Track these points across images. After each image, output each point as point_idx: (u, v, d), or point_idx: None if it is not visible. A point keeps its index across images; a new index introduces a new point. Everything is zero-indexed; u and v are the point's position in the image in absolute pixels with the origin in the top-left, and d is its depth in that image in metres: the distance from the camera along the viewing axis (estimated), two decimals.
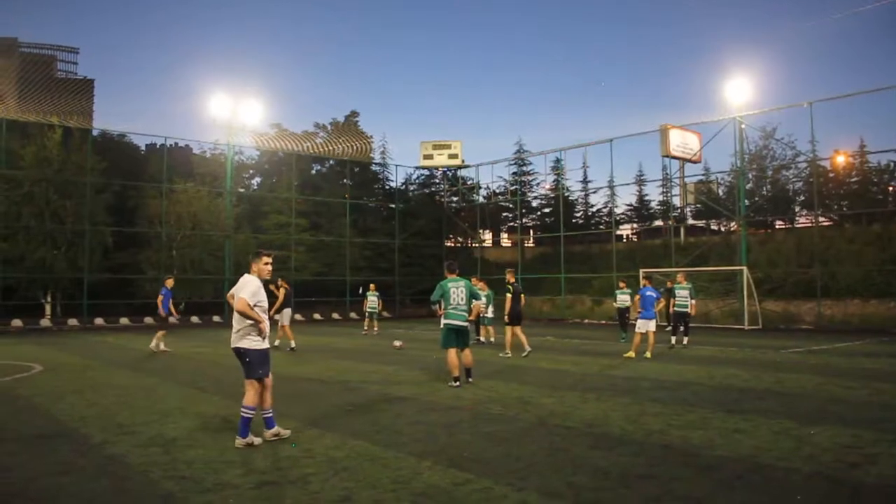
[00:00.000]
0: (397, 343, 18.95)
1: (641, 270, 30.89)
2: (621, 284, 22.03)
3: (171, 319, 18.75)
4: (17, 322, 30.33)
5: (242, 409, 7.08)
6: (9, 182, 32.26)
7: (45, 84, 41.16)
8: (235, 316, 7.19)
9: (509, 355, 15.97)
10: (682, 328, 18.97)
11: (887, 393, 10.25)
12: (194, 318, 34.33)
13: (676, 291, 19.03)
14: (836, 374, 12.49)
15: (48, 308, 34.03)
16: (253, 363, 7.20)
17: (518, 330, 16.26)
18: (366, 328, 26.63)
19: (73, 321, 31.67)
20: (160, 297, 18.25)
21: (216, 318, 34.67)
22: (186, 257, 35.82)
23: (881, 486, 5.46)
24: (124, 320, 32.58)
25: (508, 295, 16.10)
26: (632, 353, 15.96)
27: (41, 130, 33.69)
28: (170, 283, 18.77)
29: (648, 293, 16.33)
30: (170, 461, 6.39)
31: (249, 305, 7.08)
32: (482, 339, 20.07)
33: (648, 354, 15.81)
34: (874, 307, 27.47)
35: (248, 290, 7.19)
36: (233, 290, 7.34)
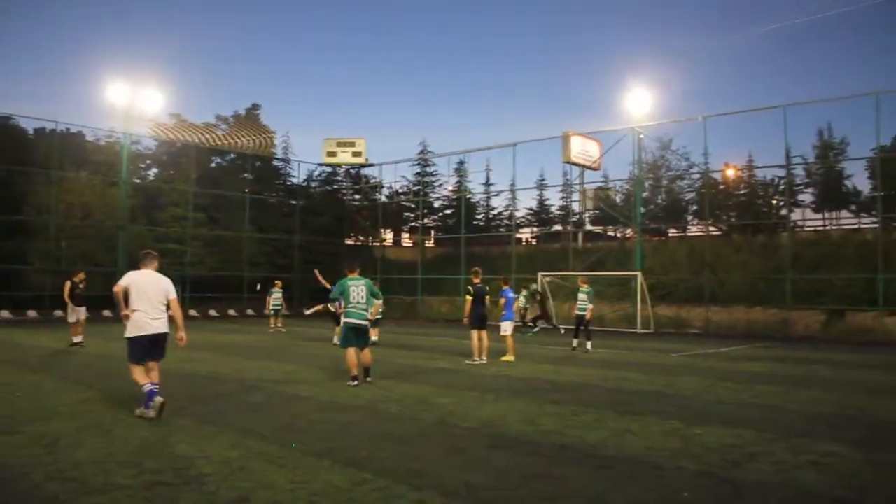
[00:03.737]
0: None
1: (540, 274, 31.56)
2: (582, 283, 19.93)
3: (70, 316, 17.93)
4: None
5: (156, 386, 8.29)
6: None
7: None
8: (161, 307, 8.46)
9: (478, 362, 15.06)
10: (582, 330, 19.22)
11: (768, 395, 10.77)
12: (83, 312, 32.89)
13: (578, 295, 19.37)
14: (722, 377, 13.04)
15: None
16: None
17: (484, 334, 15.35)
18: (272, 326, 26.24)
19: None
20: (68, 292, 17.57)
21: (106, 313, 33.39)
22: (77, 248, 34.25)
23: (760, 483, 5.74)
24: (5, 313, 30.88)
25: (469, 297, 15.40)
26: (511, 357, 15.75)
27: None
28: (80, 276, 18.07)
29: (510, 294, 16.41)
30: (54, 462, 6.14)
31: None
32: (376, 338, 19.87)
33: (510, 358, 15.70)
34: (758, 313, 28.78)
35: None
36: (156, 287, 8.51)
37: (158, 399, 8.06)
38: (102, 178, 36.44)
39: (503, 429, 7.87)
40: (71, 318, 17.79)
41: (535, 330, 26.97)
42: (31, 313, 31.03)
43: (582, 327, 18.97)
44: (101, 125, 49.51)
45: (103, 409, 8.73)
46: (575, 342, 19.02)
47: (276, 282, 27.52)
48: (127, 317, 8.30)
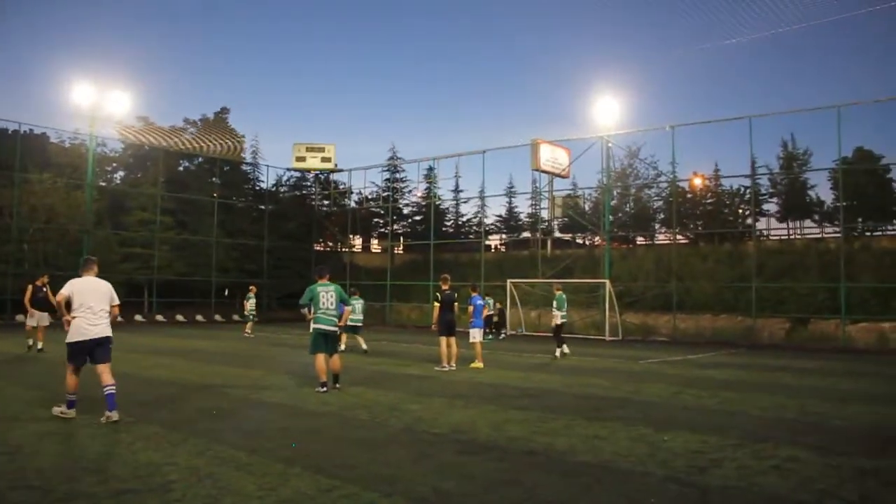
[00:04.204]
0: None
1: (509, 280, 31.69)
2: (556, 290, 19.99)
3: (30, 320, 17.54)
4: None
5: (112, 387, 8.42)
6: None
7: None
8: (103, 312, 8.71)
9: (447, 368, 14.97)
10: (554, 336, 19.28)
11: (732, 401, 10.90)
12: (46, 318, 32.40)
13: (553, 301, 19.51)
14: (688, 384, 13.18)
15: None
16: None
17: (453, 341, 15.25)
18: (248, 331, 26.16)
19: None
20: (29, 296, 17.21)
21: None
22: (39, 252, 33.69)
23: (725, 488, 5.82)
24: None
25: (436, 304, 15.28)
26: (480, 364, 15.77)
27: None
28: (43, 280, 17.70)
29: (479, 302, 16.46)
30: (17, 470, 6.05)
31: None
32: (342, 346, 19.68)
33: (479, 364, 15.73)
34: (724, 321, 29.15)
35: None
36: (98, 293, 8.75)
37: (114, 414, 8.24)
38: (67, 180, 35.88)
39: (472, 435, 7.89)
40: (30, 323, 17.46)
41: (501, 337, 27.27)
42: None
43: (554, 334, 19.16)
44: (66, 127, 48.59)
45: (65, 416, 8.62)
46: (558, 351, 19.06)
47: (251, 287, 27.36)
48: (68, 322, 8.53)
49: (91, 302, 8.59)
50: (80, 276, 8.81)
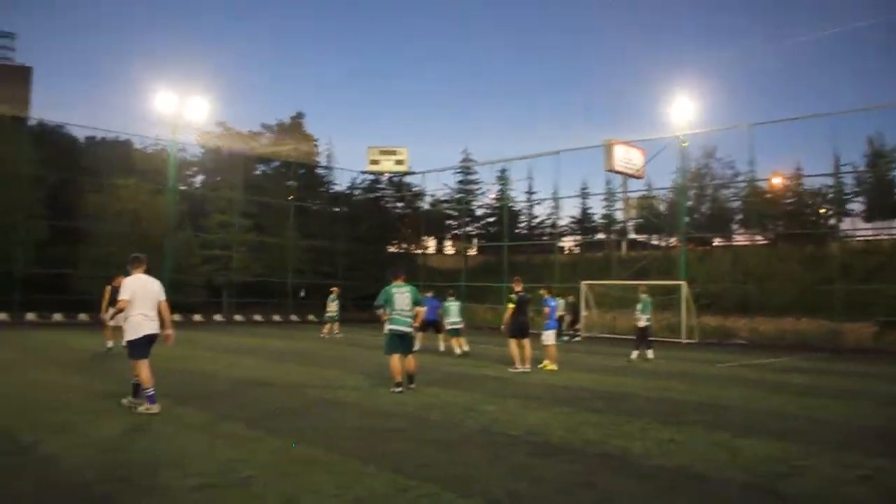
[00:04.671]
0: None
1: (583, 282, 31.41)
2: (643, 291, 19.63)
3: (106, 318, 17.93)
4: None
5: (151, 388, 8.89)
6: None
7: None
8: (155, 309, 9.13)
9: (521, 370, 14.91)
10: (640, 339, 19.14)
11: (815, 407, 10.59)
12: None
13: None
14: (768, 388, 12.86)
15: None
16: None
17: (526, 343, 15.20)
18: (326, 332, 26.49)
19: (2, 316, 30.74)
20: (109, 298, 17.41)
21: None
22: (125, 254, 34.77)
23: (808, 497, 5.67)
24: (58, 316, 31.68)
25: (511, 305, 15.22)
26: (553, 366, 15.62)
27: None
28: (118, 281, 17.97)
29: (552, 303, 16.32)
30: (104, 462, 6.28)
31: None
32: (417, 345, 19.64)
33: (549, 366, 15.63)
34: (806, 324, 28.30)
35: None
36: (151, 291, 9.18)
37: (155, 408, 8.77)
38: (150, 185, 37.11)
39: (546, 437, 7.86)
40: (112, 322, 17.49)
41: (576, 338, 27.04)
42: (82, 316, 31.70)
43: (639, 336, 19.00)
44: (148, 134, 50.37)
45: (150, 412, 8.90)
46: (634, 354, 18.88)
47: (333, 288, 27.73)
48: (113, 317, 9.04)
49: (146, 299, 9.06)
50: (128, 273, 9.24)
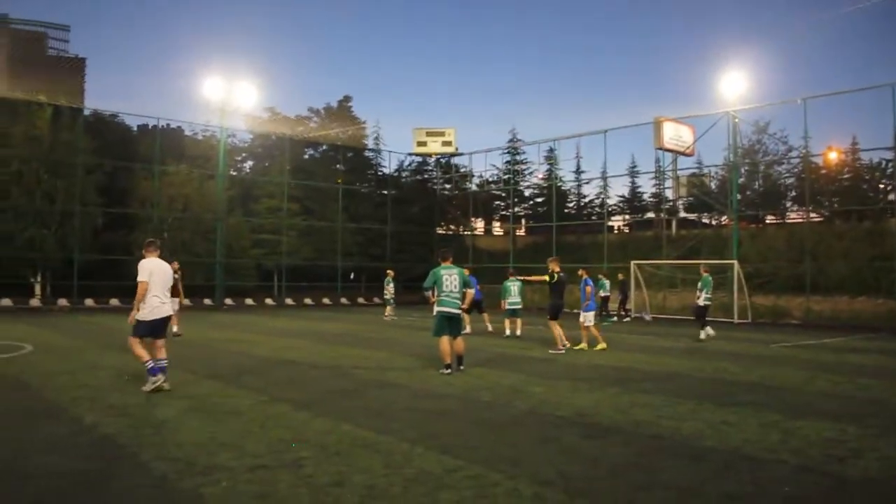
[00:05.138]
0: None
1: (633, 262, 31.09)
2: (705, 270, 19.71)
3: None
4: (6, 301, 30.28)
5: (165, 361, 9.47)
6: None
7: (37, 62, 40.94)
8: (168, 291, 9.55)
9: (563, 350, 14.94)
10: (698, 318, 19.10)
11: (872, 388, 10.36)
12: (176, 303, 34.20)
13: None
14: (823, 369, 12.60)
15: (38, 288, 33.83)
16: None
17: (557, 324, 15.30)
18: (388, 314, 27.02)
19: (62, 301, 31.59)
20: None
21: (207, 301, 34.59)
22: (177, 240, 35.58)
23: (865, 480, 5.55)
24: (114, 301, 32.38)
25: (544, 276, 15.20)
26: (601, 345, 15.55)
27: (31, 109, 33.41)
28: (174, 267, 17.95)
29: (590, 283, 16.13)
30: (161, 442, 6.43)
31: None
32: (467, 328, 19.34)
33: (599, 345, 15.54)
34: (862, 303, 27.65)
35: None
36: (166, 274, 9.56)
37: (160, 378, 9.19)
38: (200, 171, 37.75)
39: (596, 418, 7.81)
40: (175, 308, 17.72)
41: (626, 319, 26.87)
42: None
43: (698, 315, 18.98)
44: (198, 120, 51.08)
45: (204, 394, 9.09)
46: (702, 333, 18.76)
47: (388, 271, 28.02)
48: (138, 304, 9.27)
49: (161, 282, 9.41)
50: (144, 256, 9.58)
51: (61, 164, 33.14)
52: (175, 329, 17.31)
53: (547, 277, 15.24)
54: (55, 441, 6.49)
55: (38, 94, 33.65)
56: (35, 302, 31.68)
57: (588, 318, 15.82)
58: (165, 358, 9.46)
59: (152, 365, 9.17)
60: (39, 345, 15.26)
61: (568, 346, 15.17)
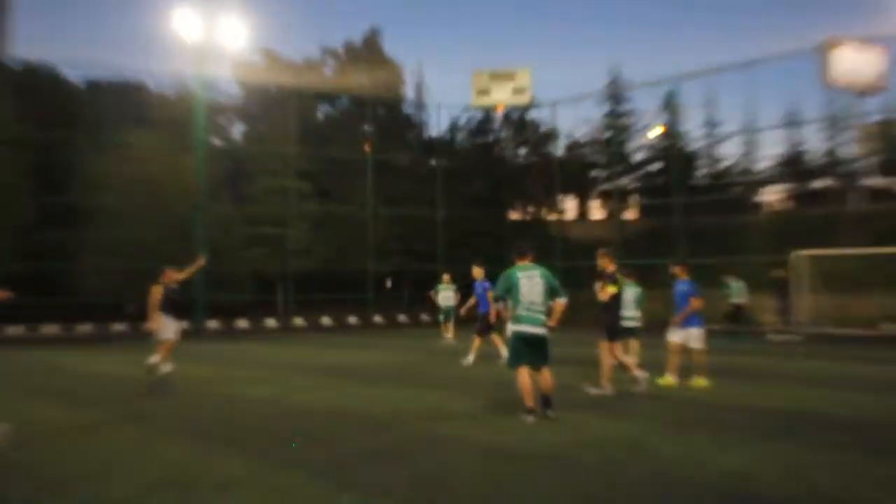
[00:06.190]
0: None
1: (795, 253, 30.46)
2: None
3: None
4: None
5: None
6: None
7: None
8: None
9: (609, 391, 14.17)
10: None
11: None
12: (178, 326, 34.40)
13: None
14: None
15: None
16: None
17: (618, 350, 14.46)
18: (448, 335, 27.53)
19: None
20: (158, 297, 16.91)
21: (213, 324, 34.76)
22: (139, 237, 35.23)
23: None
24: (52, 328, 32.44)
25: (609, 288, 14.24)
26: (670, 379, 15.19)
27: None
28: (171, 275, 17.45)
29: (681, 287, 15.58)
30: None
31: None
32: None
33: (699, 381, 14.94)
34: None
35: None
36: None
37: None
38: (172, 141, 37.54)
39: (756, 486, 7.57)
40: (166, 335, 16.59)
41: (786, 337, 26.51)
42: (84, 327, 32.76)
43: None
44: (167, 70, 51.53)
45: (178, 459, 9.01)
46: None
47: (444, 275, 28.06)
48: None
49: None
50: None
51: None
52: (168, 367, 16.39)
53: (612, 288, 14.36)
54: None
55: None
56: None
57: (695, 336, 15.28)
58: None
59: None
60: None
61: (641, 377, 14.35)
